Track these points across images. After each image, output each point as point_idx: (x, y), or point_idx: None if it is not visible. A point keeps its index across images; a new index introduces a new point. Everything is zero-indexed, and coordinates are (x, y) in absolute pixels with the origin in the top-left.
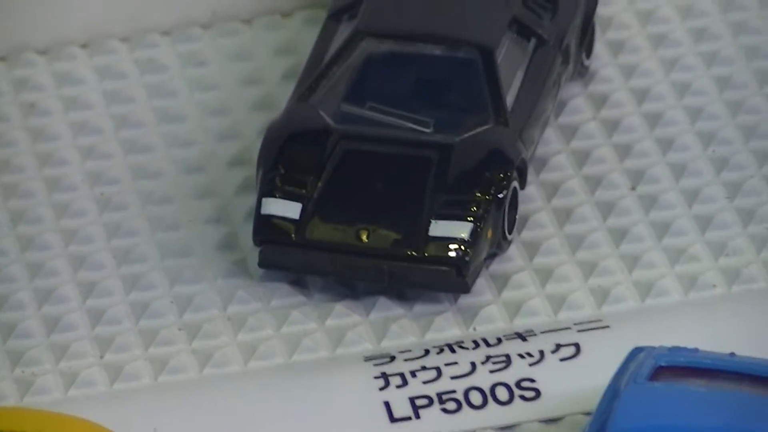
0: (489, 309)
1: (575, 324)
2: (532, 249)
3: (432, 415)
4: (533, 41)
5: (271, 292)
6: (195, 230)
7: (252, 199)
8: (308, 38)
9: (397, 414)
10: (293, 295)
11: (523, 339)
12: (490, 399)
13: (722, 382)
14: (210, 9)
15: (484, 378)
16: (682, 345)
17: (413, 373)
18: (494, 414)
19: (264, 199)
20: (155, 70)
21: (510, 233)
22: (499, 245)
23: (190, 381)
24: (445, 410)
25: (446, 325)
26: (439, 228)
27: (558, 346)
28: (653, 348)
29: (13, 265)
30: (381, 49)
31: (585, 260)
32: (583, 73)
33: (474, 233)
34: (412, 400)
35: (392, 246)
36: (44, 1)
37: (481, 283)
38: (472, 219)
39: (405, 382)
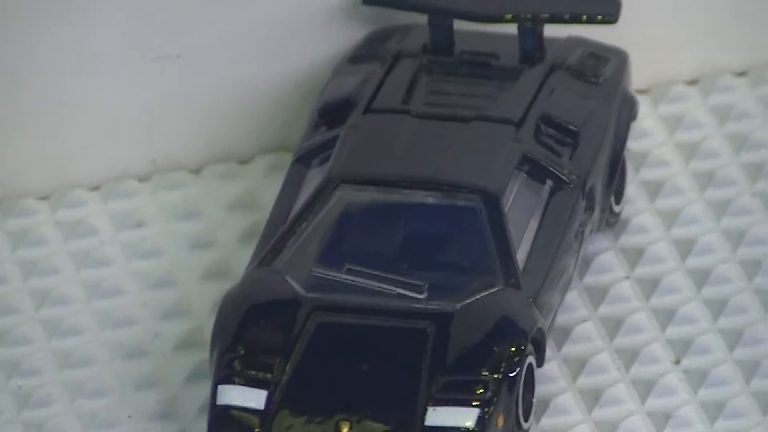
0: None
1: None
2: None
3: None
4: (549, 184)
5: None
6: (136, 429)
7: (205, 388)
8: (270, 189)
9: None
10: None
11: None
12: None
13: None
14: (149, 157)
15: None
16: None
17: None
18: None
19: (221, 387)
20: (82, 234)
21: (526, 420)
22: None
23: None
24: None
25: None
26: (438, 416)
27: None
28: None
29: None
30: (360, 199)
31: None
32: (613, 222)
33: (481, 421)
34: None
35: None
36: None
37: None
38: (478, 404)
39: None
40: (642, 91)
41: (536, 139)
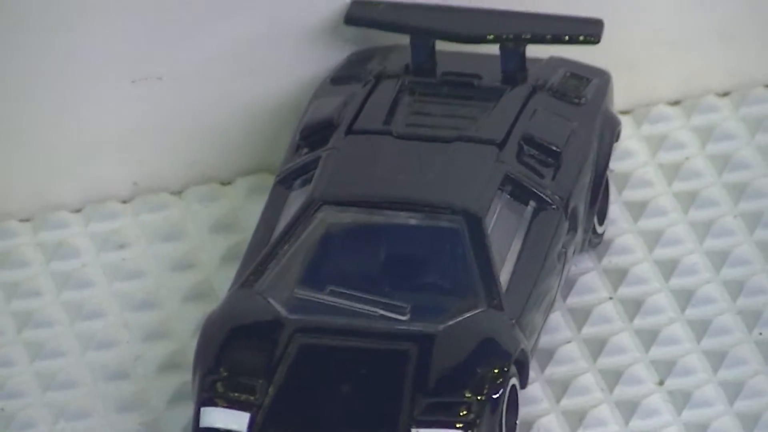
0: None
1: None
2: None
3: None
4: (532, 204)
5: None
6: None
7: (188, 411)
8: (252, 210)
9: None
10: None
11: None
12: None
13: None
14: (130, 179)
15: None
16: None
17: None
18: None
19: (204, 409)
20: (64, 256)
21: None
22: None
23: None
24: None
25: None
26: None
27: None
28: None
29: None
30: (342, 220)
31: None
32: (596, 242)
33: None
34: None
35: None
36: None
37: None
38: (461, 426)
39: None
40: (625, 112)
41: (519, 160)
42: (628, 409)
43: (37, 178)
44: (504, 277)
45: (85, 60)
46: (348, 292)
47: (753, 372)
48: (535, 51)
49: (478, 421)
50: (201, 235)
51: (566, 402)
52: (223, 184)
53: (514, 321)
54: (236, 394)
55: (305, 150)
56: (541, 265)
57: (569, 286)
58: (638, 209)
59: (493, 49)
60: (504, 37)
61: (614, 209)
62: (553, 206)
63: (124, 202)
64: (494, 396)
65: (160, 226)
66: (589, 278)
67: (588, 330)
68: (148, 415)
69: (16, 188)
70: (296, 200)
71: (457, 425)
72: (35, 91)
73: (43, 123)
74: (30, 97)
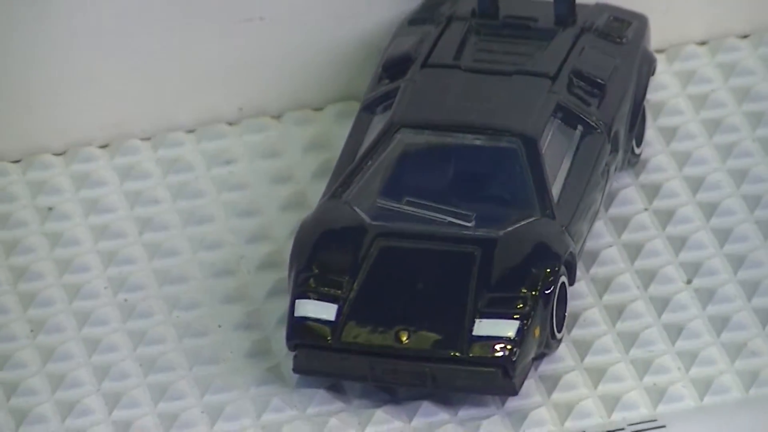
0: (538, 411)
1: (630, 425)
2: (584, 348)
3: None
4: (580, 129)
5: (307, 399)
6: (225, 336)
7: (284, 304)
8: (340, 132)
9: None
10: (331, 402)
11: None
12: None
13: None
14: (237, 105)
15: None
16: None
17: None
18: None
19: (297, 301)
20: (180, 170)
21: (559, 331)
22: (548, 344)
23: None
24: None
25: (494, 430)
26: (483, 327)
27: None
28: None
29: (34, 377)
30: (418, 141)
31: (639, 358)
32: (633, 161)
33: (521, 332)
34: None
35: (434, 347)
36: (60, 99)
37: (530, 384)
38: (518, 317)
39: None
40: (659, 50)
41: (569, 91)
42: (660, 304)
43: (158, 102)
44: (555, 190)
45: (203, 3)
46: (422, 202)
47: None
48: None
49: (532, 313)
50: (296, 153)
51: (608, 297)
52: (315, 109)
53: (563, 228)
54: (326, 289)
55: (386, 81)
56: (587, 180)
57: (610, 199)
58: (670, 134)
59: None
60: None
61: (650, 133)
62: (598, 130)
63: (231, 124)
64: (546, 292)
65: (261, 145)
66: (627, 192)
67: (626, 236)
68: (249, 306)
69: (141, 111)
70: (378, 124)
71: (515, 316)
72: (161, 31)
73: (166, 55)
74: (156, 35)
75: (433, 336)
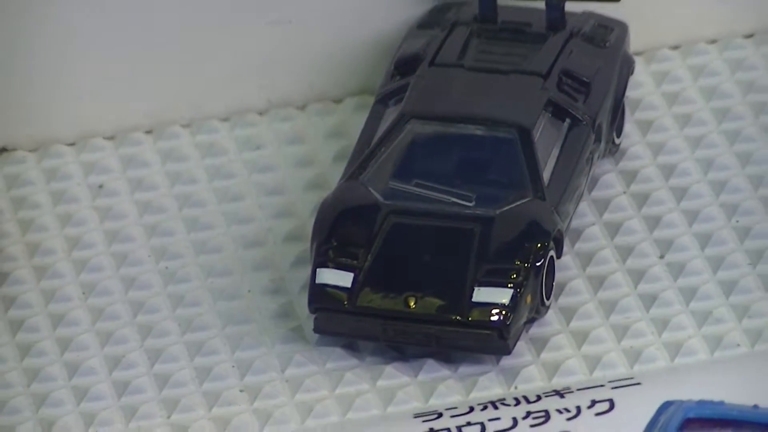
0: (529, 369)
1: (609, 382)
2: (569, 314)
3: None
4: (568, 121)
5: (325, 356)
6: (254, 300)
7: (306, 272)
8: (357, 122)
9: None
10: (346, 359)
11: (561, 396)
12: None
13: None
14: (266, 97)
15: None
16: (708, 399)
17: (459, 429)
18: None
19: (318, 270)
20: (215, 154)
21: (548, 299)
22: (538, 310)
23: None
24: None
25: (489, 385)
26: (481, 294)
27: (593, 402)
28: (682, 402)
29: (84, 335)
30: (426, 130)
31: (618, 323)
32: (614, 150)
33: (514, 299)
34: None
35: (438, 312)
36: (110, 89)
37: (522, 345)
38: (512, 286)
39: None
40: (638, 53)
41: (558, 88)
42: (637, 276)
43: (197, 93)
44: (546, 175)
45: (240, 7)
46: (429, 184)
47: (731, 250)
48: (572, 6)
49: (524, 282)
50: (318, 140)
51: (590, 269)
52: (336, 101)
53: (553, 208)
54: (343, 259)
55: (398, 77)
56: (573, 167)
57: (593, 183)
58: (646, 126)
59: (541, 4)
60: None
61: (628, 126)
62: (584, 123)
63: (260, 114)
64: (537, 264)
65: (287, 132)
66: (608, 177)
67: (607, 216)
68: (275, 274)
69: (182, 101)
70: (390, 115)
71: (509, 285)
72: (202, 31)
73: (205, 53)
74: (197, 35)
75: (438, 302)
